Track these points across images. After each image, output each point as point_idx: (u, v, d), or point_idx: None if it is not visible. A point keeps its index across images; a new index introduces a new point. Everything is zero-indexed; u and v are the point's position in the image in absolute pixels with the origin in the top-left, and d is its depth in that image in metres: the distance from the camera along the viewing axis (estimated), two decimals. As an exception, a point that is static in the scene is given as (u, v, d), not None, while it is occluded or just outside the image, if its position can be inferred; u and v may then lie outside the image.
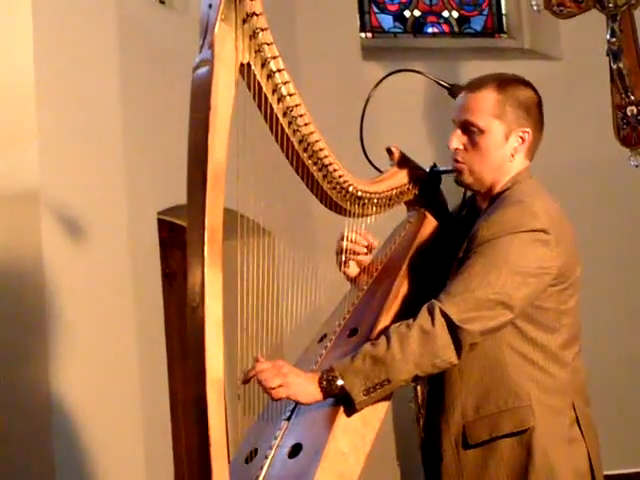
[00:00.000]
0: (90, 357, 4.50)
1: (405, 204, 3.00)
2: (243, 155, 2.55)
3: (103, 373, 4.55)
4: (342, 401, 2.57)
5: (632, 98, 5.48)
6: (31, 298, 4.36)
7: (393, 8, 7.56)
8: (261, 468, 2.61)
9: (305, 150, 2.70)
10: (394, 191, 2.92)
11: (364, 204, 2.86)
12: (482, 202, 2.79)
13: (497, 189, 2.75)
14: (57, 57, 4.58)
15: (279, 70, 2.58)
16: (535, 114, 2.77)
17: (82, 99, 4.69)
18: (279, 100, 2.62)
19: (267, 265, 2.72)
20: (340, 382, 2.55)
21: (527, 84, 2.79)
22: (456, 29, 7.66)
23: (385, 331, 2.59)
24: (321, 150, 2.71)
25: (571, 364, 2.69)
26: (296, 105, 2.63)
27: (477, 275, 2.57)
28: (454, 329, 2.53)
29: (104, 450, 4.54)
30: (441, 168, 2.95)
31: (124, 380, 4.68)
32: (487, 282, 2.56)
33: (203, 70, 2.49)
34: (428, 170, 2.97)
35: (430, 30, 7.64)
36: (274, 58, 2.56)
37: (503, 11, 7.69)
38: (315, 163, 2.74)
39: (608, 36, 5.48)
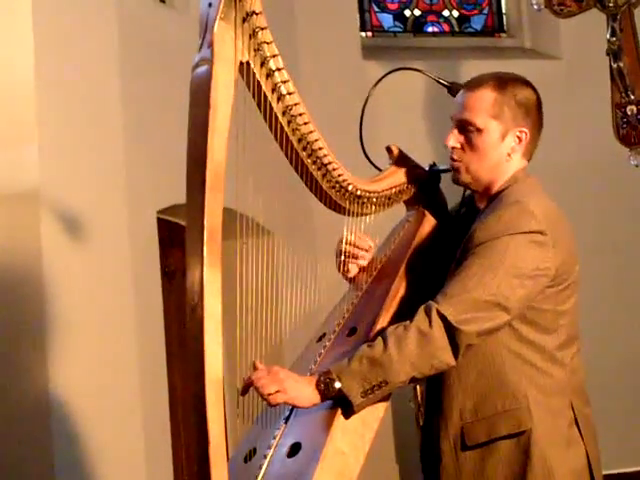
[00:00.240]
0: (89, 356, 4.50)
1: (404, 203, 3.01)
2: (242, 154, 2.55)
3: (103, 372, 4.55)
4: (340, 403, 2.57)
5: (632, 97, 5.47)
6: (30, 297, 4.36)
7: (393, 7, 7.55)
8: (260, 467, 2.61)
9: (304, 149, 2.70)
10: (393, 190, 2.92)
11: (363, 203, 2.86)
12: (480, 202, 2.79)
13: (495, 189, 2.74)
14: (57, 56, 4.58)
15: (278, 69, 2.59)
16: (533, 114, 2.76)
17: (82, 98, 4.69)
18: (278, 99, 2.62)
19: (266, 264, 2.72)
20: (337, 384, 2.55)
21: (526, 83, 2.79)
22: (456, 28, 7.65)
23: (383, 332, 2.59)
24: (320, 149, 2.71)
25: (569, 364, 2.69)
26: (295, 104, 2.63)
27: (474, 276, 2.57)
28: (451, 330, 2.53)
29: (104, 450, 4.54)
30: (440, 167, 2.95)
31: (124, 379, 4.68)
32: (483, 283, 2.56)
33: (202, 69, 2.49)
34: (427, 169, 2.97)
35: (430, 29, 7.63)
36: (273, 57, 2.56)
37: (503, 10, 7.69)
38: (314, 162, 2.74)
39: (608, 35, 5.47)
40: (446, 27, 7.64)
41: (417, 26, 7.59)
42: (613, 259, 6.87)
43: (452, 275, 2.62)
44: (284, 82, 2.60)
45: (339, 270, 2.96)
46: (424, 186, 2.95)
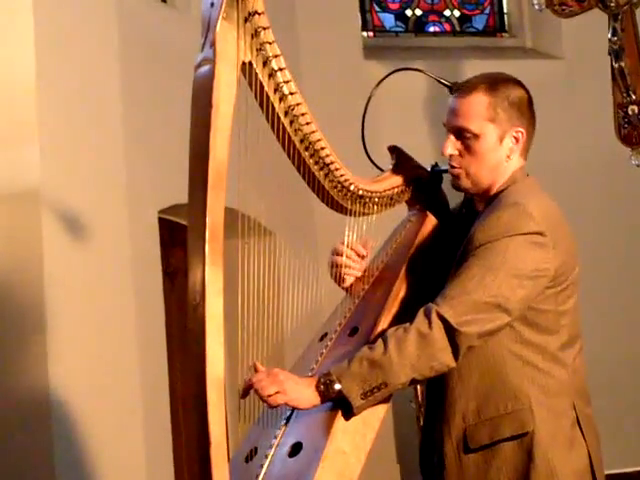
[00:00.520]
0: (90, 356, 4.50)
1: (406, 203, 3.00)
2: (244, 154, 2.55)
3: (103, 372, 4.55)
4: (340, 405, 2.57)
5: (633, 97, 5.47)
6: (31, 296, 4.36)
7: (394, 7, 7.55)
8: (261, 467, 2.62)
9: (306, 149, 2.70)
10: (395, 190, 2.92)
11: (365, 203, 2.86)
12: (479, 203, 2.78)
13: (494, 190, 2.74)
14: (58, 56, 4.57)
15: (280, 69, 2.58)
16: (527, 112, 2.75)
17: (83, 98, 4.69)
18: (280, 99, 2.62)
19: (268, 264, 2.72)
20: (337, 386, 2.55)
21: (516, 82, 2.78)
22: (457, 28, 7.65)
23: (383, 333, 2.59)
24: (322, 149, 2.71)
25: (571, 365, 2.68)
26: (297, 104, 2.63)
27: (473, 278, 2.57)
28: (451, 332, 2.53)
29: (104, 450, 4.54)
30: (442, 167, 2.95)
31: (124, 379, 4.68)
32: (483, 285, 2.56)
33: (205, 69, 2.49)
34: (429, 169, 2.97)
35: (431, 29, 7.63)
36: (275, 57, 2.56)
37: (505, 10, 7.69)
38: (316, 162, 2.74)
39: (610, 35, 5.47)
40: (447, 27, 7.64)
41: (418, 26, 7.59)
42: (614, 259, 6.87)
43: (452, 277, 2.62)
44: (286, 82, 2.60)
45: (334, 280, 2.96)
46: (426, 186, 2.95)
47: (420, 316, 2.56)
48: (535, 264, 2.60)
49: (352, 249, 2.92)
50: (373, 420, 2.62)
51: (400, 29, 7.55)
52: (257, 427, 2.74)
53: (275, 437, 2.66)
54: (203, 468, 2.41)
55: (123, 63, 4.91)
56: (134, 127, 4.93)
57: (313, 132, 2.67)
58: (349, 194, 2.82)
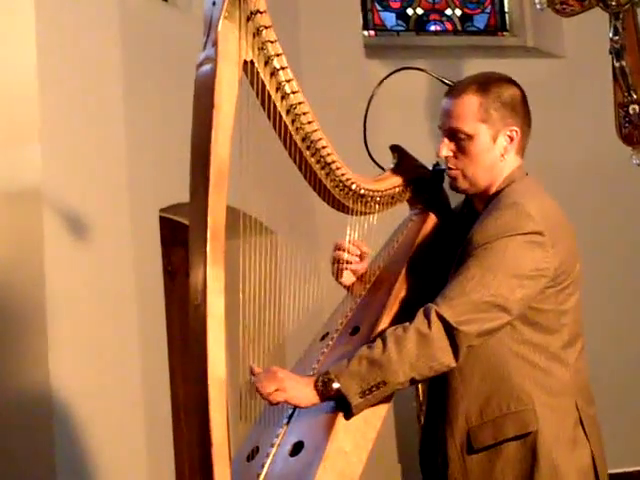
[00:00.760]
0: (91, 355, 4.50)
1: (408, 202, 3.00)
2: (246, 153, 2.55)
3: (105, 372, 4.55)
4: (339, 404, 2.57)
5: (634, 96, 5.47)
6: (33, 296, 4.36)
7: (396, 6, 7.55)
8: (263, 466, 2.62)
9: (308, 148, 2.70)
10: (397, 189, 2.92)
11: (367, 202, 2.86)
12: (479, 204, 2.78)
13: (493, 190, 2.74)
14: (60, 56, 4.57)
15: (282, 68, 2.58)
16: (521, 110, 2.75)
17: (84, 97, 4.69)
18: (282, 98, 2.62)
19: (269, 263, 2.72)
20: (336, 385, 2.55)
21: (509, 81, 2.77)
22: (459, 27, 7.65)
23: (383, 333, 2.59)
24: (324, 148, 2.71)
25: (573, 364, 2.68)
26: (299, 103, 2.63)
27: (473, 278, 2.57)
28: (451, 331, 2.53)
29: (105, 449, 4.54)
30: (443, 166, 2.94)
31: (126, 379, 4.68)
32: (482, 285, 2.56)
33: (207, 67, 2.49)
34: (431, 168, 2.97)
35: (433, 28, 7.63)
36: (277, 56, 2.56)
37: (506, 9, 7.69)
38: (318, 161, 2.73)
39: (611, 34, 5.47)
40: (449, 26, 7.64)
41: (420, 25, 7.59)
42: (614, 258, 6.87)
43: (452, 277, 2.62)
44: (288, 81, 2.60)
45: (335, 277, 2.96)
46: (427, 186, 2.94)
47: (420, 316, 2.56)
48: (534, 264, 2.60)
49: (354, 245, 2.92)
50: (374, 419, 2.62)
51: (401, 28, 7.55)
52: (259, 426, 2.74)
53: (277, 436, 2.66)
54: (204, 468, 2.41)
55: (124, 62, 4.91)
56: (135, 126, 4.93)
57: (315, 131, 2.67)
58: (350, 193, 2.82)
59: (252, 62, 2.55)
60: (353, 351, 2.62)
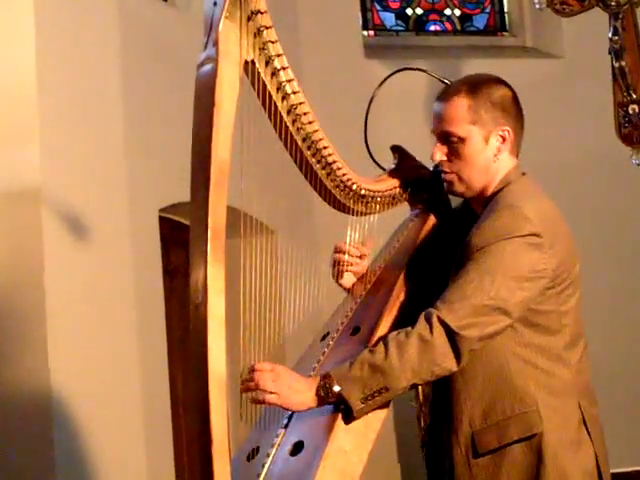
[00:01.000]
0: (91, 355, 4.50)
1: (408, 202, 3.00)
2: (247, 153, 2.55)
3: (104, 371, 4.55)
4: (341, 407, 2.57)
5: (634, 96, 5.46)
6: (32, 295, 4.35)
7: (395, 6, 7.55)
8: (263, 466, 2.62)
9: (309, 148, 2.70)
10: (397, 190, 2.92)
11: (367, 202, 2.86)
12: (477, 205, 2.78)
13: (489, 191, 2.74)
14: (59, 55, 4.57)
15: (283, 68, 2.59)
16: (512, 110, 2.75)
17: (83, 98, 4.69)
18: (283, 98, 2.62)
19: (270, 263, 2.72)
20: (337, 388, 2.55)
21: (499, 81, 2.77)
22: (458, 27, 7.66)
23: (385, 337, 2.59)
24: (325, 148, 2.71)
25: (576, 365, 2.68)
26: (300, 103, 2.63)
27: (472, 282, 2.57)
28: (452, 336, 2.53)
29: (105, 449, 4.53)
30: (444, 167, 2.94)
31: (125, 378, 4.68)
32: (482, 288, 2.56)
33: (208, 67, 2.49)
34: (432, 169, 2.97)
35: (432, 28, 7.64)
36: (278, 56, 2.57)
37: (505, 9, 7.70)
38: (319, 161, 2.74)
39: (610, 34, 5.47)
40: (448, 26, 7.65)
41: (419, 25, 7.60)
42: (614, 258, 6.87)
43: (452, 281, 2.62)
44: (289, 81, 2.60)
45: (335, 279, 2.96)
46: (428, 186, 2.94)
47: (421, 321, 2.56)
48: (533, 265, 2.60)
49: (354, 247, 2.92)
50: (374, 420, 2.62)
51: (401, 28, 7.56)
52: (259, 426, 2.74)
53: (277, 436, 2.66)
54: (204, 467, 2.41)
55: (124, 62, 4.91)
56: (135, 126, 4.93)
57: (315, 131, 2.68)
58: (351, 193, 2.82)
59: (253, 62, 2.55)
60: (354, 351, 2.62)
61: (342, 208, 2.85)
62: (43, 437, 4.31)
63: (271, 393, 2.55)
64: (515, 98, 2.76)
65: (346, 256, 2.92)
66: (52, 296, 4.35)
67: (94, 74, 4.75)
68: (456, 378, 2.64)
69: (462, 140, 2.70)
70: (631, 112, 5.47)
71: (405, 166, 2.95)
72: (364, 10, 7.36)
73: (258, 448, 2.70)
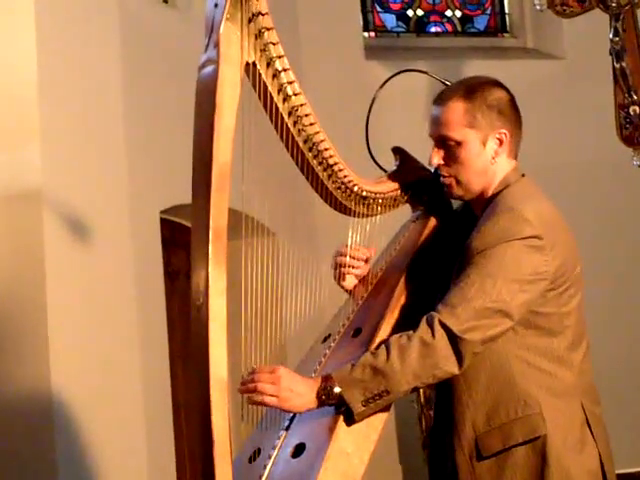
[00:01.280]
0: (92, 357, 4.50)
1: (410, 204, 3.00)
2: (248, 155, 2.55)
3: (105, 372, 4.55)
4: (342, 410, 2.57)
5: (635, 97, 5.46)
6: (33, 297, 4.36)
7: (396, 7, 7.55)
8: (264, 467, 2.61)
9: (310, 150, 2.70)
10: (398, 191, 2.92)
11: (369, 204, 2.86)
12: (477, 208, 2.78)
13: (489, 194, 2.74)
14: (59, 57, 4.57)
15: (284, 69, 2.59)
16: (509, 113, 2.74)
17: (84, 99, 4.69)
18: (284, 99, 2.62)
19: (271, 265, 2.72)
20: (338, 390, 2.55)
21: (495, 84, 2.77)
22: (459, 28, 7.66)
23: (387, 340, 2.59)
24: (326, 150, 2.71)
25: (579, 365, 2.69)
26: (301, 105, 2.63)
27: (473, 285, 2.57)
28: (455, 340, 2.54)
29: (106, 450, 4.54)
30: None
31: (126, 379, 4.68)
32: (483, 291, 2.56)
33: (209, 69, 2.49)
34: (433, 170, 2.97)
35: (433, 29, 7.64)
36: (279, 57, 2.57)
37: (506, 10, 7.69)
38: (320, 163, 2.74)
39: (611, 35, 5.47)
40: (449, 27, 7.65)
41: (420, 26, 7.60)
42: (614, 259, 6.87)
43: (453, 284, 2.62)
44: (290, 83, 2.60)
45: (337, 282, 2.95)
46: (429, 188, 2.94)
47: (423, 325, 2.56)
48: (533, 268, 2.60)
49: (359, 250, 2.92)
50: (376, 421, 2.62)
51: (401, 29, 7.56)
52: (261, 428, 2.74)
53: (278, 438, 2.66)
54: (206, 469, 2.41)
55: (125, 64, 4.91)
56: (136, 128, 4.93)
57: (317, 133, 2.68)
58: (353, 195, 2.82)
59: (254, 64, 2.55)
60: (355, 353, 2.62)
61: (343, 210, 2.85)
62: (44, 438, 4.31)
63: (270, 396, 2.55)
64: (512, 100, 2.76)
65: (348, 258, 2.92)
66: (53, 297, 4.35)
67: (95, 75, 4.75)
68: (458, 382, 2.64)
69: (459, 144, 2.71)
70: (632, 113, 5.47)
71: (406, 168, 2.95)
72: (365, 11, 7.36)
73: (260, 450, 2.70)
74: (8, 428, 4.31)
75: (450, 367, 2.55)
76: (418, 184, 2.94)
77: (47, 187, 4.41)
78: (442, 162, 2.74)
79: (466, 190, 2.75)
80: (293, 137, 2.66)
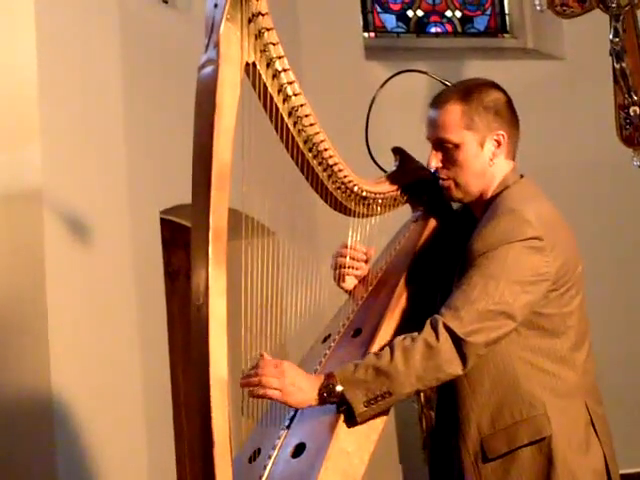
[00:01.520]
0: (92, 357, 4.50)
1: (410, 204, 3.00)
2: (248, 155, 2.55)
3: (105, 372, 4.55)
4: (343, 410, 2.57)
5: (635, 98, 5.47)
6: (33, 297, 4.36)
7: (396, 8, 7.56)
8: (264, 467, 2.62)
9: (310, 150, 2.71)
10: (398, 191, 2.92)
11: (369, 204, 2.86)
12: (476, 210, 2.78)
13: (488, 195, 2.74)
14: (60, 57, 4.57)
15: (284, 70, 2.59)
16: (506, 114, 2.75)
17: (84, 99, 4.69)
18: (284, 100, 2.62)
19: (271, 265, 2.72)
20: (340, 387, 2.55)
21: (492, 86, 2.77)
22: (459, 29, 7.66)
23: (390, 342, 2.59)
24: (326, 150, 2.72)
25: (582, 365, 2.69)
26: (301, 105, 2.63)
27: (476, 287, 2.57)
28: (459, 342, 2.54)
29: (106, 450, 4.53)
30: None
31: (126, 380, 4.68)
32: (486, 293, 2.56)
33: (209, 69, 2.49)
34: (432, 171, 2.97)
35: (433, 30, 7.64)
36: (279, 58, 2.57)
37: (506, 11, 7.69)
38: (320, 163, 2.74)
39: (611, 36, 5.47)
40: (449, 28, 7.65)
41: (420, 27, 7.60)
42: (615, 260, 6.87)
43: (455, 286, 2.62)
44: (290, 83, 2.60)
45: (337, 283, 2.96)
46: (429, 188, 2.94)
47: (427, 327, 2.56)
48: (535, 269, 2.60)
49: (355, 250, 2.92)
50: (376, 421, 2.62)
51: (401, 30, 7.56)
52: (261, 428, 2.74)
53: (279, 438, 2.66)
54: (206, 469, 2.41)
55: (125, 64, 4.91)
56: (136, 128, 4.93)
57: (317, 133, 2.68)
58: (352, 195, 2.82)
59: (254, 64, 2.55)
60: (355, 353, 2.63)
61: (343, 210, 2.85)
62: (44, 438, 4.31)
63: (274, 390, 2.55)
64: (508, 101, 2.76)
65: (348, 259, 2.92)
66: (53, 297, 4.35)
67: (95, 75, 4.75)
68: (462, 384, 2.65)
69: (457, 146, 2.71)
70: (632, 114, 5.47)
71: (406, 168, 2.96)
72: (365, 12, 7.36)
73: (260, 450, 2.70)
74: (8, 428, 4.31)
75: (454, 370, 2.55)
76: (418, 184, 2.94)
77: (47, 187, 4.41)
78: (440, 165, 2.74)
79: (465, 192, 2.75)
80: (293, 137, 2.67)
